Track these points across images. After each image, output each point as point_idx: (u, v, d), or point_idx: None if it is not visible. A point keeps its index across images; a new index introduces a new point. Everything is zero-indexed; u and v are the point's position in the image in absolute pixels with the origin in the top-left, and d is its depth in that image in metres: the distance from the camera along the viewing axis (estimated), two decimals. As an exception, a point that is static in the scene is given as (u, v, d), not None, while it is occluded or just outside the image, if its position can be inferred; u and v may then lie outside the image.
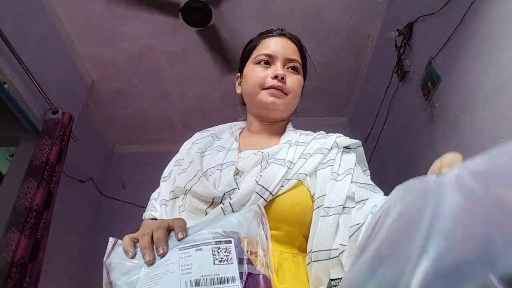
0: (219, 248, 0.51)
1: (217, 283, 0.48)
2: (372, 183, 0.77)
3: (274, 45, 0.90)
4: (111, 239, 0.58)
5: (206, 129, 0.97)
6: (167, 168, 0.93)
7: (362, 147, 0.85)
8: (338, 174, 0.76)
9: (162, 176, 0.91)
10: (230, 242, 0.52)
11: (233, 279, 0.49)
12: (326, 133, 0.88)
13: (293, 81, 0.87)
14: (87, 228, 2.86)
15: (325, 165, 0.78)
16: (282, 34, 0.93)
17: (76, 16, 2.37)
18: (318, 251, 0.68)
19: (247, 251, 0.52)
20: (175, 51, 2.60)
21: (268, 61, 0.88)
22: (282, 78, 0.85)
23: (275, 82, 0.85)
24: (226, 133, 0.94)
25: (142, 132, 3.26)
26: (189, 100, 2.99)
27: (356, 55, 2.75)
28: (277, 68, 0.86)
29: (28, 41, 2.05)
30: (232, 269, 0.49)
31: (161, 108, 3.06)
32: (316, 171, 0.76)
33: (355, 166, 0.78)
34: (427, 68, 1.87)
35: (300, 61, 0.92)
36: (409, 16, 2.07)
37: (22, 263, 1.68)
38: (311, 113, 3.18)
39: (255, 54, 0.91)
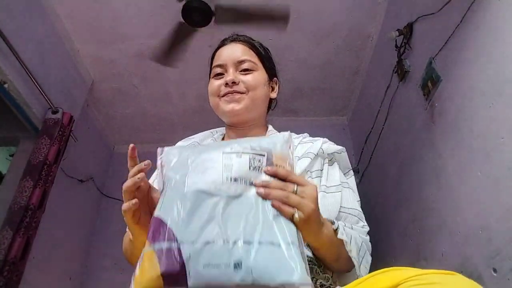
0: (254, 158, 0.63)
1: (249, 184, 0.60)
2: (359, 210, 0.84)
3: (224, 54, 0.94)
4: (159, 149, 0.72)
5: (187, 138, 1.00)
6: (153, 175, 0.90)
7: (345, 153, 0.91)
8: (327, 187, 0.81)
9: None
10: (263, 155, 0.64)
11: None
12: (325, 133, 0.92)
13: (247, 78, 0.89)
14: (87, 228, 2.86)
15: (313, 174, 0.82)
16: (233, 40, 0.96)
17: (76, 16, 2.37)
18: None
19: (276, 164, 0.63)
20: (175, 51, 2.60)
21: (221, 72, 0.92)
22: (234, 83, 0.88)
23: (228, 89, 0.88)
24: (209, 139, 0.98)
25: (142, 132, 3.26)
26: (189, 100, 2.99)
27: (356, 55, 2.75)
28: (228, 74, 0.90)
29: (28, 41, 2.05)
30: (260, 178, 0.61)
31: (161, 108, 3.06)
32: (304, 176, 0.80)
33: (340, 184, 0.84)
34: (427, 68, 1.87)
35: (253, 59, 0.93)
36: (409, 16, 2.07)
37: (15, 262, 1.68)
38: (311, 113, 3.18)
39: (212, 68, 0.96)
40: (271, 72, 0.98)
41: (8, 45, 1.83)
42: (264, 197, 0.59)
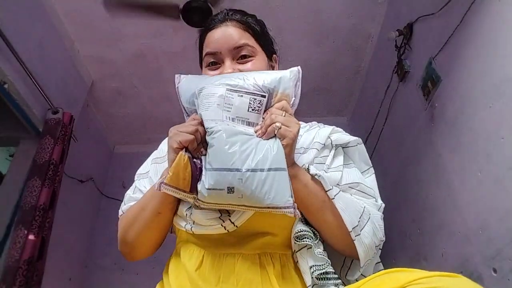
0: (255, 99, 0.69)
1: (246, 124, 0.69)
2: (371, 187, 0.78)
3: (217, 39, 0.82)
4: (176, 76, 0.78)
5: None
6: (143, 166, 0.90)
7: (363, 144, 0.82)
8: (329, 167, 0.76)
9: (138, 173, 0.89)
10: (264, 97, 0.70)
11: (256, 124, 0.69)
12: None
13: (247, 67, 0.80)
14: (87, 228, 2.86)
15: (319, 160, 0.78)
16: (225, 19, 0.84)
17: (76, 16, 2.37)
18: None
19: (276, 100, 0.71)
20: (175, 51, 2.60)
21: (216, 61, 0.82)
22: None
23: None
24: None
25: (142, 132, 3.26)
26: (189, 100, 2.99)
27: (356, 55, 2.75)
28: (225, 67, 0.80)
29: (28, 41, 2.05)
30: (258, 118, 0.70)
31: (161, 108, 3.06)
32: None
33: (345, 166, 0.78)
34: (427, 68, 1.87)
35: (251, 42, 0.83)
36: (409, 16, 2.07)
37: (32, 261, 1.68)
38: (311, 113, 3.17)
39: (203, 53, 0.85)
40: (270, 49, 0.89)
41: (8, 45, 1.83)
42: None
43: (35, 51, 2.11)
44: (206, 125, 0.67)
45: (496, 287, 1.30)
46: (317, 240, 0.70)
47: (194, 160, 0.67)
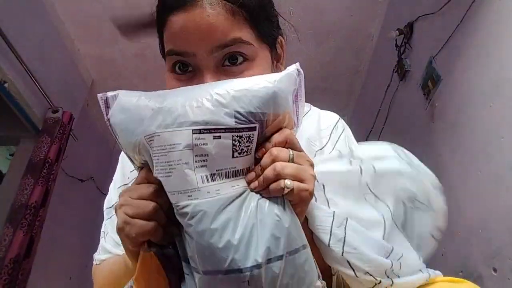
0: (240, 137, 0.42)
1: (232, 177, 0.43)
2: None
3: (186, 32, 0.50)
4: (100, 97, 0.47)
5: None
6: (110, 194, 0.73)
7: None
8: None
9: (106, 206, 0.72)
10: (254, 129, 0.43)
11: (247, 170, 0.44)
12: None
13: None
14: (87, 228, 2.86)
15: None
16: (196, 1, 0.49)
17: (76, 16, 2.37)
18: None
19: (273, 122, 0.44)
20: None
21: (187, 63, 0.53)
22: None
23: None
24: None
25: (142, 131, 3.26)
26: (189, 100, 3.00)
27: (356, 54, 2.75)
28: (202, 82, 0.51)
29: (28, 41, 2.05)
30: (249, 161, 0.44)
31: (161, 108, 3.06)
32: None
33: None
34: (428, 68, 1.87)
35: (245, 34, 0.51)
36: (409, 16, 2.07)
37: (18, 260, 1.68)
38: (311, 113, 3.18)
39: (166, 47, 0.54)
40: (273, 33, 0.58)
41: (8, 45, 1.83)
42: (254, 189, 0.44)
43: (35, 51, 2.11)
44: (173, 200, 0.42)
45: (496, 287, 1.30)
46: None
47: (164, 251, 0.45)
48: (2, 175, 2.46)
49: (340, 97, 3.12)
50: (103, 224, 0.72)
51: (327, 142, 0.66)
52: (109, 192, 0.73)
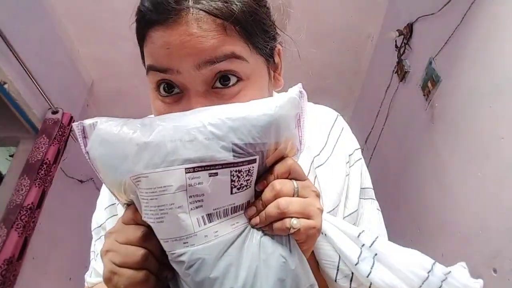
0: (239, 171, 0.38)
1: (231, 214, 0.39)
2: None
3: (168, 50, 0.44)
4: (75, 126, 0.44)
5: None
6: (98, 212, 0.64)
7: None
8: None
9: (93, 226, 0.64)
10: (254, 161, 0.38)
11: (246, 204, 0.41)
12: None
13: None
14: (87, 228, 2.85)
15: None
16: (180, 12, 0.43)
17: (76, 16, 2.37)
18: None
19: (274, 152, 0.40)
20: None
21: (171, 83, 0.47)
22: None
23: None
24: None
25: (142, 132, 3.26)
26: (189, 100, 2.99)
27: (356, 55, 2.75)
28: (191, 106, 0.45)
29: (28, 41, 2.05)
30: (249, 194, 0.40)
31: (161, 108, 3.06)
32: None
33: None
34: (427, 68, 1.87)
35: (238, 49, 0.45)
36: (409, 16, 2.07)
37: (12, 261, 1.69)
38: (311, 113, 3.18)
39: (146, 61, 0.52)
40: (269, 45, 0.52)
41: (8, 45, 1.83)
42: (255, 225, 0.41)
43: (35, 51, 2.11)
44: (167, 248, 0.39)
45: (496, 287, 1.30)
46: None
47: None
48: (2, 176, 2.46)
49: (340, 98, 3.12)
50: (93, 243, 0.66)
51: (325, 144, 0.64)
52: (96, 209, 0.67)
